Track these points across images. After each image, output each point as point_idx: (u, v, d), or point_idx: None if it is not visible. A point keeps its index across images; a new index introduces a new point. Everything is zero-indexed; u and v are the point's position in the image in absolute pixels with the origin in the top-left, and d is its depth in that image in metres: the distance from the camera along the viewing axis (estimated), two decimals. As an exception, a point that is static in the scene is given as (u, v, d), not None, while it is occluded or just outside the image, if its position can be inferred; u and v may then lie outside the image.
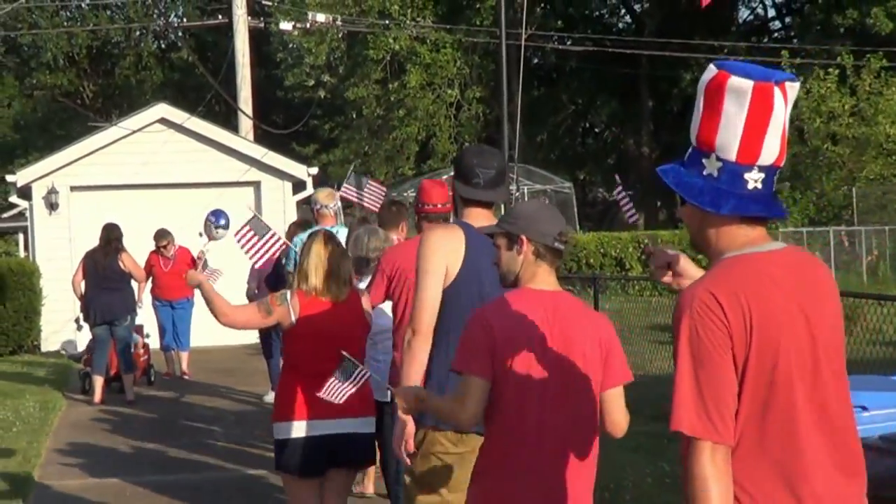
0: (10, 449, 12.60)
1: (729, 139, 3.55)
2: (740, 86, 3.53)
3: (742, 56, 44.78)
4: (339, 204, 11.39)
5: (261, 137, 28.60)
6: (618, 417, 5.04)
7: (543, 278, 4.97)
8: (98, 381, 16.05)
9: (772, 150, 3.56)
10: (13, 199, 23.83)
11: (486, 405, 4.85)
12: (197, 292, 17.84)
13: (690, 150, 3.66)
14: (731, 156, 3.56)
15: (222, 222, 15.82)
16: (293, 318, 7.04)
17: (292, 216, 21.47)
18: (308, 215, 14.33)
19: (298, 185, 23.58)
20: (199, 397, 16.65)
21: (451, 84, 44.43)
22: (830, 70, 36.05)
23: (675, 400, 3.45)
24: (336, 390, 5.71)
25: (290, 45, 55.34)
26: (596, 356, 4.93)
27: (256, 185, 23.30)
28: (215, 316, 7.19)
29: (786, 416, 3.50)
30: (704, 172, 3.60)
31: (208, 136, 23.57)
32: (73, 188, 22.85)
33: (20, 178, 22.92)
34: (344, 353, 5.75)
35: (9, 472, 11.43)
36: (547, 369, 4.84)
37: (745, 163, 3.55)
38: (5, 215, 47.10)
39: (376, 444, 7.89)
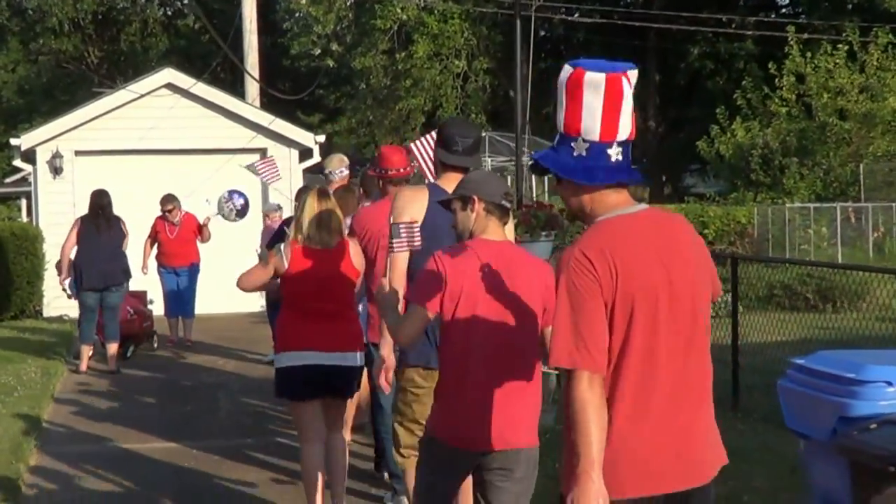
0: (12, 414, 12.47)
1: (591, 123, 4.25)
2: (595, 79, 4.24)
3: (750, 31, 44.57)
4: (346, 170, 11.42)
5: (266, 106, 28.39)
6: None
7: (494, 231, 5.80)
8: (85, 350, 15.83)
9: (625, 127, 4.28)
10: (17, 162, 23.63)
11: (437, 336, 5.80)
12: (203, 259, 17.95)
13: (558, 136, 4.34)
14: (595, 136, 4.26)
15: (240, 202, 15.87)
16: (285, 264, 7.89)
17: (299, 184, 21.25)
18: (317, 183, 14.22)
19: (305, 153, 23.41)
20: (203, 363, 16.55)
21: (459, 55, 44.16)
22: (839, 46, 35.78)
23: (554, 340, 4.16)
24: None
25: (297, 14, 55.09)
26: (537, 297, 5.72)
27: (263, 151, 23.05)
28: (238, 286, 8.24)
29: (642, 349, 4.20)
30: (574, 154, 4.30)
31: (215, 101, 23.38)
32: (77, 153, 22.69)
33: (24, 141, 22.78)
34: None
35: (10, 437, 11.30)
36: (491, 305, 5.64)
37: (607, 140, 4.26)
38: (8, 180, 46.95)
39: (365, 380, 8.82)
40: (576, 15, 48.71)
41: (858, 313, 17.75)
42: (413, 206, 6.80)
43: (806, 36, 37.71)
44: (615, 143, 4.27)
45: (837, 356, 7.33)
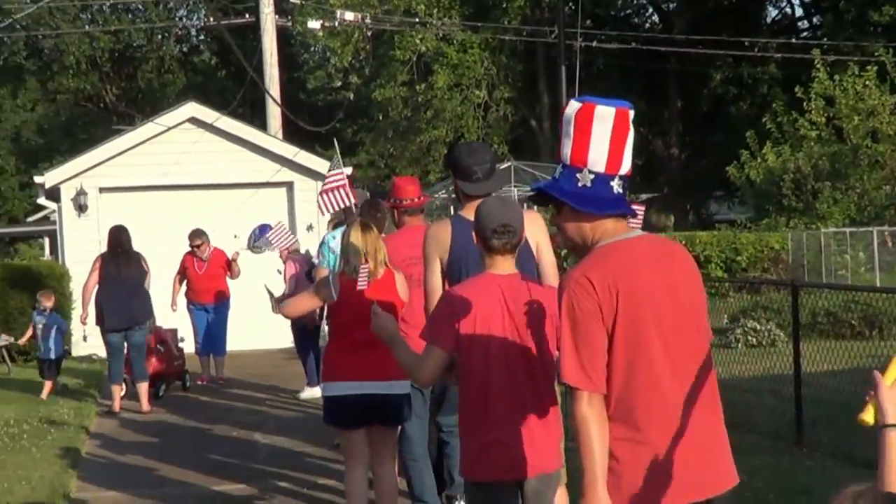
0: (45, 458, 12.03)
1: (598, 155, 4.45)
2: (605, 112, 4.43)
3: (773, 54, 44.16)
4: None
5: (287, 140, 27.97)
6: None
7: (499, 265, 5.80)
8: (116, 390, 15.42)
9: (626, 162, 4.51)
10: (41, 200, 23.31)
11: (454, 370, 5.77)
12: (232, 295, 17.58)
13: (561, 167, 4.53)
14: (601, 168, 4.46)
15: (269, 238, 15.64)
16: (334, 295, 8.00)
17: (326, 217, 20.87)
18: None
19: (332, 186, 22.98)
20: (237, 402, 16.07)
21: (479, 85, 43.88)
22: (868, 67, 35.32)
23: (561, 359, 4.38)
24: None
25: (313, 48, 54.93)
26: (549, 324, 5.71)
27: (289, 185, 22.71)
28: (282, 313, 8.55)
29: (647, 366, 4.37)
30: (579, 184, 4.48)
31: (239, 135, 22.96)
32: (101, 189, 22.31)
33: (48, 179, 22.41)
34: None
35: (45, 482, 10.84)
36: (505, 336, 5.71)
37: (611, 173, 4.48)
38: (30, 219, 46.74)
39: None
40: (594, 42, 48.49)
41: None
42: (437, 245, 7.22)
43: (833, 58, 37.28)
44: (617, 177, 4.49)
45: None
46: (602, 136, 4.43)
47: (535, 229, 7.27)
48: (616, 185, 4.48)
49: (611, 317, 4.34)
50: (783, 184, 33.91)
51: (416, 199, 9.03)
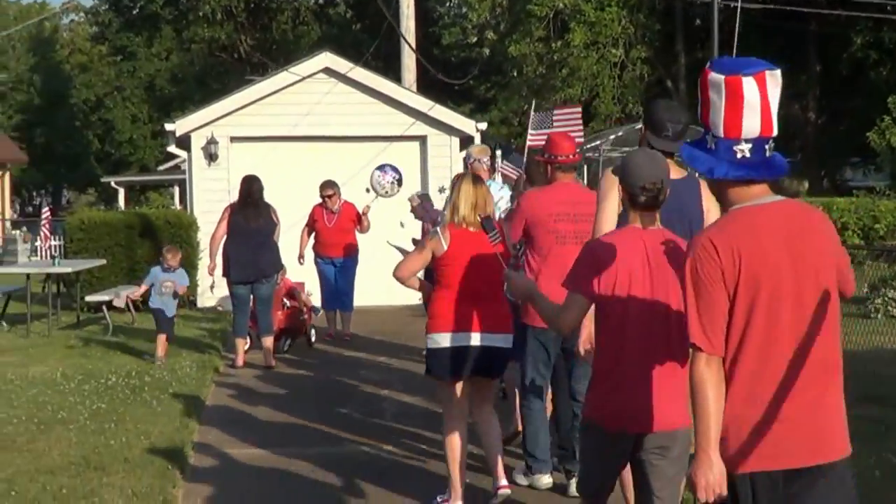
0: (167, 412, 11.77)
1: (716, 120, 4.55)
2: (715, 79, 4.54)
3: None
4: (488, 161, 12.06)
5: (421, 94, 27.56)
6: None
7: (642, 220, 5.80)
8: (240, 344, 15.15)
9: (752, 126, 4.50)
10: (171, 148, 23.12)
11: (592, 320, 5.92)
12: (362, 250, 17.26)
13: (713, 139, 4.59)
14: (720, 132, 4.54)
15: (395, 176, 15.04)
16: (444, 246, 8.06)
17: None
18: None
19: (466, 141, 22.44)
20: (362, 359, 15.76)
21: (616, 44, 43.11)
22: None
23: (688, 321, 4.51)
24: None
25: (449, 3, 54.51)
26: None
27: (422, 139, 22.27)
28: (395, 276, 8.31)
29: (766, 330, 4.46)
30: (707, 146, 4.60)
31: (373, 86, 22.55)
32: (232, 139, 22.11)
33: (179, 127, 22.22)
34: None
35: (165, 438, 10.55)
36: (644, 289, 5.72)
37: (731, 137, 4.53)
38: (161, 168, 46.97)
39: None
40: (738, 2, 47.33)
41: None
42: (614, 190, 6.74)
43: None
44: (742, 140, 4.51)
45: None
46: (717, 102, 4.53)
47: (709, 196, 7.02)
48: (740, 150, 4.53)
49: (733, 281, 4.46)
50: (925, 151, 32.96)
51: (571, 156, 8.86)
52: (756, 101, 4.48)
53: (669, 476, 5.84)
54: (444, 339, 8.10)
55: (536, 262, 8.67)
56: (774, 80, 4.53)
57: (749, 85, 4.47)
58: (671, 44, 46.61)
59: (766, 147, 4.56)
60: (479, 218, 8.01)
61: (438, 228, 8.25)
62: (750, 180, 4.57)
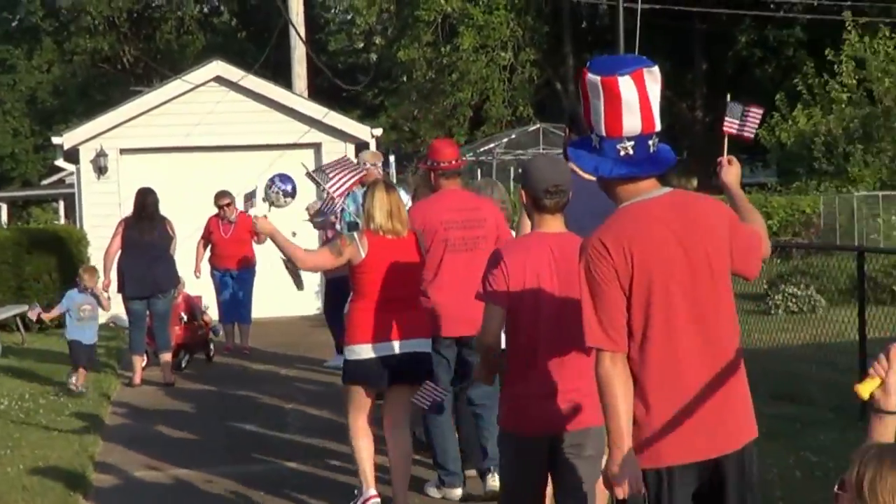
0: (65, 435, 11.39)
1: (597, 120, 4.56)
2: (592, 81, 4.53)
3: (801, 15, 43.33)
4: (381, 164, 12.36)
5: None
6: None
7: (548, 223, 5.89)
8: (138, 361, 14.73)
9: (632, 124, 4.51)
10: (59, 162, 22.54)
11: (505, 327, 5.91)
12: (259, 261, 16.91)
13: (597, 138, 4.61)
14: (602, 132, 4.56)
15: (288, 188, 14.66)
16: (362, 254, 7.96)
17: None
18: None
19: (361, 147, 22.18)
20: (263, 373, 15.43)
21: (505, 47, 43.14)
22: (900, 28, 34.62)
23: (583, 322, 4.54)
24: None
25: (334, 10, 54.31)
26: None
27: (317, 146, 21.94)
28: (300, 264, 8.36)
29: (663, 323, 4.51)
30: (592, 145, 4.62)
31: (266, 94, 22.14)
32: (122, 151, 21.58)
33: (66, 140, 21.64)
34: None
35: (65, 461, 10.20)
36: (552, 295, 5.78)
37: (614, 136, 4.54)
38: (44, 182, 46.05)
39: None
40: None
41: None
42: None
43: (864, 20, 36.47)
44: (624, 139, 4.53)
45: None
46: (595, 103, 4.54)
47: None
48: (623, 148, 4.55)
49: (627, 278, 4.50)
50: (814, 147, 33.37)
51: (453, 162, 8.83)
52: (634, 99, 4.51)
53: (585, 475, 5.85)
54: (364, 351, 8.02)
55: (429, 271, 8.58)
56: (653, 76, 4.55)
57: (626, 84, 4.49)
58: (559, 46, 46.78)
59: (650, 143, 4.59)
60: (400, 224, 8.08)
61: (356, 234, 8.17)
62: (636, 177, 4.61)
